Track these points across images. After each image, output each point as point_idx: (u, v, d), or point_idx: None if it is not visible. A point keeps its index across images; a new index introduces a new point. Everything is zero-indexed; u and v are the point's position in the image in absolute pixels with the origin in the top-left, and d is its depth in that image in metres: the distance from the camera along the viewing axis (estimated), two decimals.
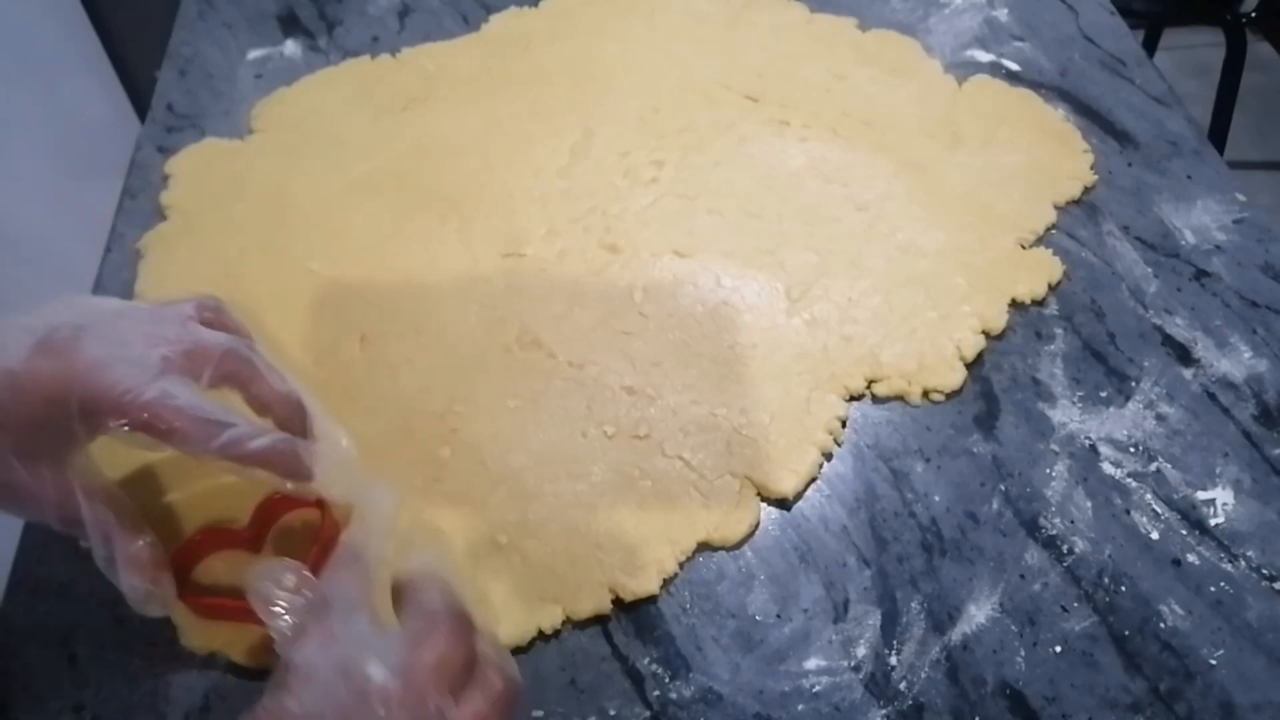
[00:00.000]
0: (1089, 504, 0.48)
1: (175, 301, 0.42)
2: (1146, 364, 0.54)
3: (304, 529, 0.45)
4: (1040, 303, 0.57)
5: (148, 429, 0.37)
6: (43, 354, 0.37)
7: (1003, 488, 0.49)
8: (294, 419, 0.41)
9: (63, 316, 0.39)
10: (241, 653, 0.44)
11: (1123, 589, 0.46)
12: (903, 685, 0.43)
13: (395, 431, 0.51)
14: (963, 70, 0.71)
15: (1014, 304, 0.57)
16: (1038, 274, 0.58)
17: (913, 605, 0.45)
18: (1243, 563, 0.46)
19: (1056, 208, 0.62)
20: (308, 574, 0.35)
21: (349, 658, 0.32)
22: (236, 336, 0.42)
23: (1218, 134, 1.46)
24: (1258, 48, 1.93)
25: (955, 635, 0.44)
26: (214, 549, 0.46)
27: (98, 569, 0.47)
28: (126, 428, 0.37)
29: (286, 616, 0.34)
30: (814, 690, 0.43)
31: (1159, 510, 0.48)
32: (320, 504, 0.42)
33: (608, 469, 0.49)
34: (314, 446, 0.40)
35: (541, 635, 0.44)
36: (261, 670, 0.43)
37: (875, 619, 0.45)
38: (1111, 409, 0.52)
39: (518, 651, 0.44)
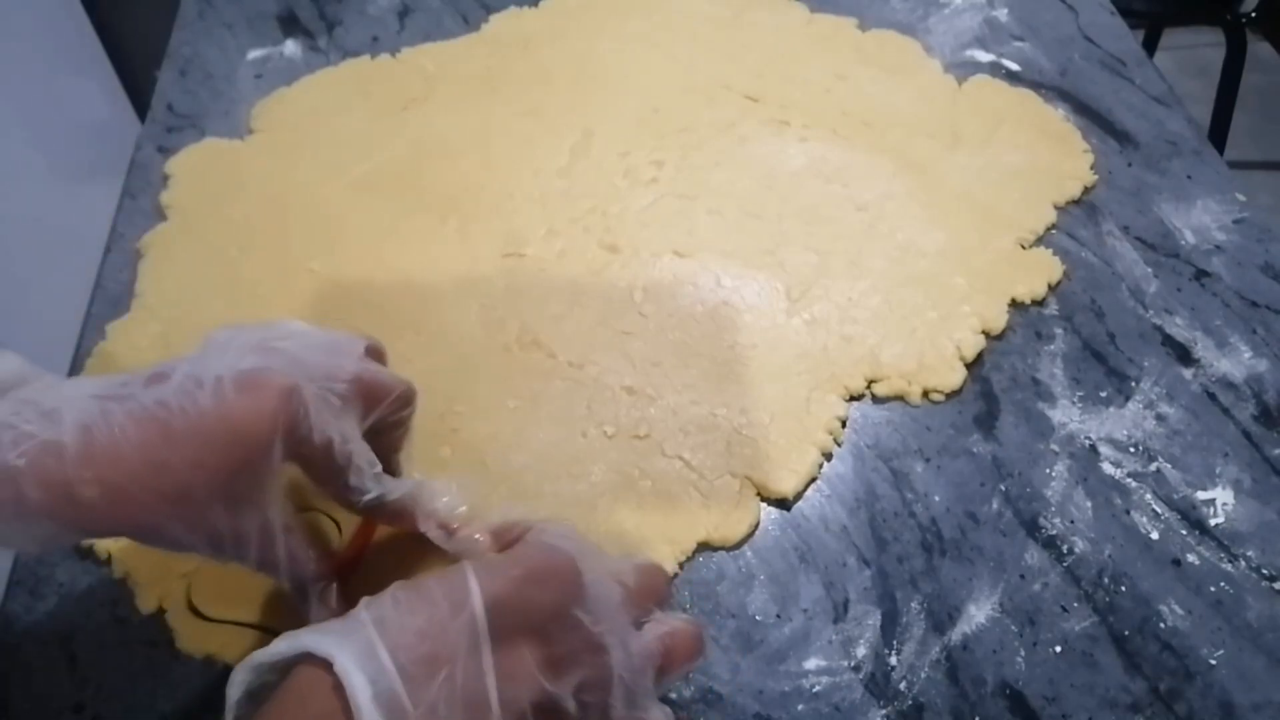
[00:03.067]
0: (1089, 504, 0.48)
1: (348, 335, 0.41)
2: (1146, 364, 0.54)
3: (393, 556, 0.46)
4: (1040, 303, 0.57)
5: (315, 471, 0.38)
6: (239, 390, 0.35)
7: (1003, 488, 0.49)
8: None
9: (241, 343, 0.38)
10: (236, 657, 0.44)
11: (1123, 589, 0.46)
12: (903, 685, 0.43)
13: None
14: (963, 70, 0.71)
15: (1014, 304, 0.57)
16: (1038, 274, 0.58)
17: (913, 605, 0.45)
18: (1243, 563, 0.46)
19: (1056, 208, 0.62)
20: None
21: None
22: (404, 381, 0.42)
23: (1218, 134, 1.46)
24: (1258, 48, 1.93)
25: (955, 635, 0.44)
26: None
27: (97, 569, 0.47)
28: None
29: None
30: (814, 690, 0.43)
31: (1159, 510, 0.48)
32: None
33: (608, 469, 0.49)
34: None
35: None
36: None
37: (875, 619, 0.45)
38: (1111, 409, 0.52)
39: None
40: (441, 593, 0.31)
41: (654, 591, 0.37)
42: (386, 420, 0.41)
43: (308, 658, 0.30)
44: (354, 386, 0.39)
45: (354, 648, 0.30)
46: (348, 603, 0.37)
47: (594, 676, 0.33)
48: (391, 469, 0.42)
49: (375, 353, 0.42)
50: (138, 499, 0.34)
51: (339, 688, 0.29)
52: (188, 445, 0.34)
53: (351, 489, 0.39)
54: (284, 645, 0.31)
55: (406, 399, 0.42)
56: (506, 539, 0.37)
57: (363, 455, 0.39)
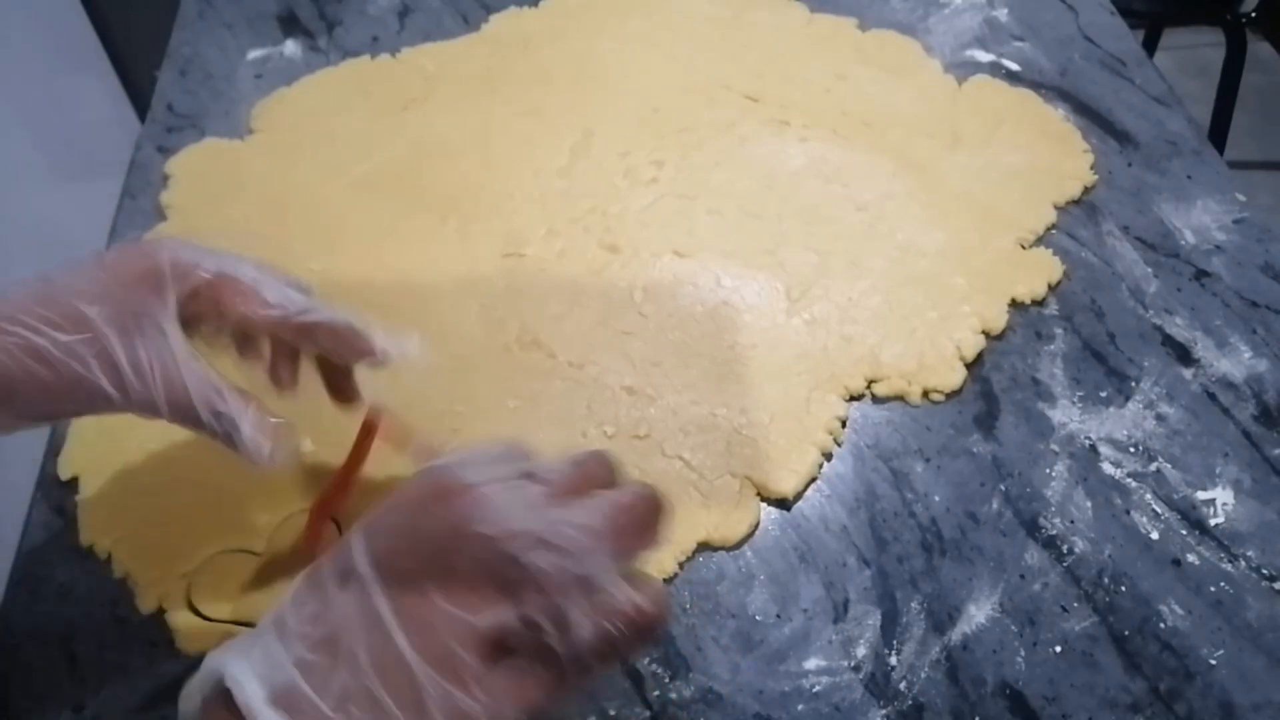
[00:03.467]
0: (1089, 504, 0.48)
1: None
2: (1146, 364, 0.54)
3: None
4: (1040, 303, 0.57)
5: (226, 291, 0.38)
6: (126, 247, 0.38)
7: (1003, 488, 0.49)
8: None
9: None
10: None
11: (1123, 589, 0.46)
12: (903, 685, 0.43)
13: None
14: (963, 70, 0.71)
15: (1014, 304, 0.57)
16: (1038, 274, 0.58)
17: (913, 605, 0.45)
18: (1243, 563, 0.46)
19: (1056, 208, 0.62)
20: None
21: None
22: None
23: (1218, 134, 1.46)
24: (1258, 48, 1.93)
25: (955, 635, 0.44)
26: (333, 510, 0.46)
27: (97, 569, 0.47)
28: (208, 276, 0.38)
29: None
30: (814, 690, 0.43)
31: (1159, 510, 0.48)
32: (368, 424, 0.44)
33: None
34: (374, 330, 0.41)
35: None
36: None
37: (875, 619, 0.45)
38: (1111, 409, 0.52)
39: None
40: (331, 568, 0.30)
41: (591, 478, 0.32)
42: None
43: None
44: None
45: (251, 656, 0.29)
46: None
47: (524, 588, 0.29)
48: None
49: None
50: (52, 354, 0.35)
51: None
52: (70, 283, 0.37)
53: (271, 304, 0.39)
54: (200, 671, 0.30)
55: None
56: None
57: (276, 282, 0.39)
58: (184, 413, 0.37)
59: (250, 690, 0.28)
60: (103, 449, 0.51)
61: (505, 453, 0.32)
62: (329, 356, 0.42)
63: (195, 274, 0.38)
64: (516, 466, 0.32)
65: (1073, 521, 0.48)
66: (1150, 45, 1.63)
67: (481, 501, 0.29)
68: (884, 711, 0.42)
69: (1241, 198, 0.62)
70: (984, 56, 0.72)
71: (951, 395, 0.53)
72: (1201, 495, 0.49)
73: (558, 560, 0.29)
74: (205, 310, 0.38)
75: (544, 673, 0.29)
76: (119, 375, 0.36)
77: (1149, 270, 0.58)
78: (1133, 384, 0.53)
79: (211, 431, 0.38)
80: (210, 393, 0.37)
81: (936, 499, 0.49)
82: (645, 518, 0.31)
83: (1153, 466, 0.50)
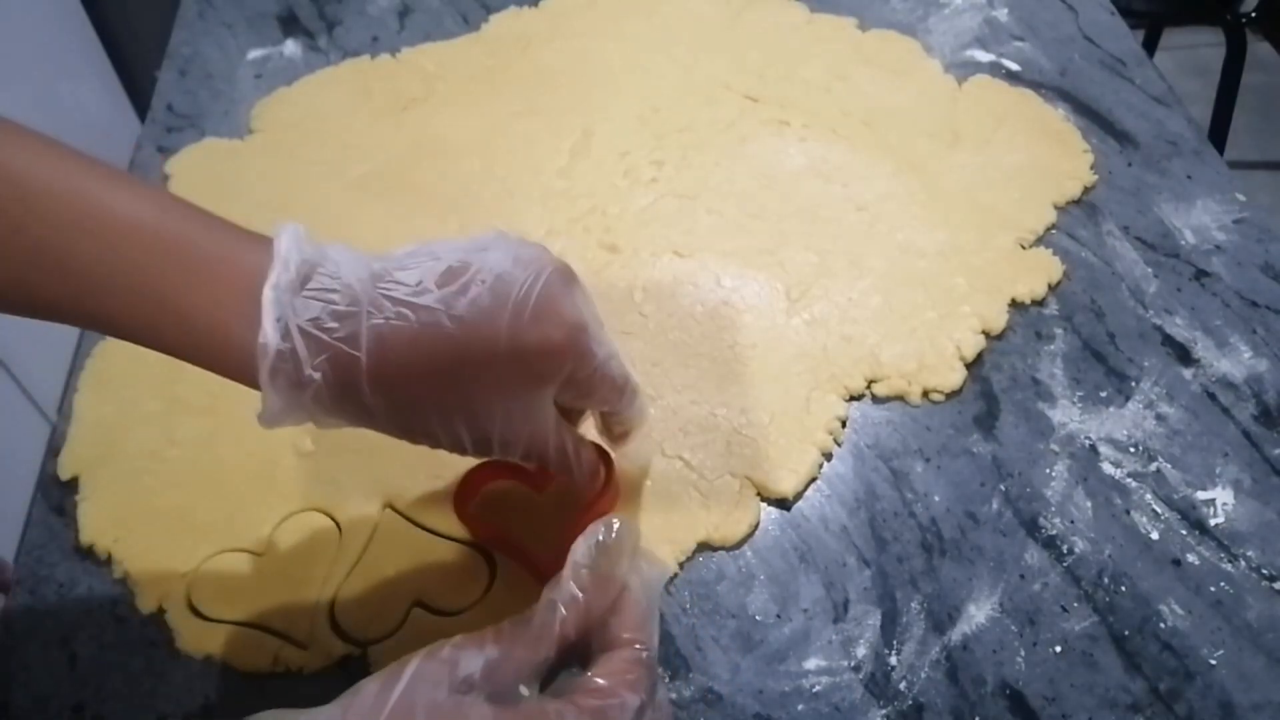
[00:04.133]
0: (1089, 504, 0.48)
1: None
2: (1146, 364, 0.54)
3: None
4: (1040, 303, 0.57)
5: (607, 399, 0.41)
6: (535, 320, 0.36)
7: (1003, 488, 0.49)
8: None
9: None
10: (236, 657, 0.44)
11: (1123, 589, 0.46)
12: (903, 685, 0.43)
13: None
14: (963, 70, 0.71)
15: (1014, 304, 0.57)
16: (1038, 274, 0.58)
17: (913, 605, 0.45)
18: (1243, 563, 0.46)
19: (1056, 208, 0.62)
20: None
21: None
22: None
23: (1218, 134, 1.46)
24: (1258, 48, 1.93)
25: (955, 635, 0.44)
26: (500, 477, 0.47)
27: (97, 569, 0.47)
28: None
29: (573, 585, 0.33)
30: (814, 690, 0.43)
31: (1159, 510, 0.48)
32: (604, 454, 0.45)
33: None
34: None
35: None
36: (255, 673, 0.43)
37: (875, 619, 0.45)
38: (1111, 409, 0.52)
39: None
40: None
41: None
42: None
43: None
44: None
45: None
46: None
47: None
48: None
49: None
50: (421, 410, 0.35)
51: None
52: (478, 366, 0.35)
53: (622, 404, 0.41)
54: None
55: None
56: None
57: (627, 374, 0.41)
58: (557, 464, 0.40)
59: None
60: (103, 449, 0.51)
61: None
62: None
63: (585, 366, 0.38)
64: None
65: (1073, 521, 0.48)
66: (1150, 45, 1.63)
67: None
68: (884, 711, 0.42)
69: (1241, 198, 0.62)
70: (984, 56, 0.72)
71: (951, 395, 0.53)
72: (1201, 495, 0.49)
73: None
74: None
75: None
76: (488, 445, 0.37)
77: (1149, 270, 0.58)
78: (1133, 384, 0.53)
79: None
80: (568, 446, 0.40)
81: (936, 499, 0.49)
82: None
83: (1153, 466, 0.50)
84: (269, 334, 0.32)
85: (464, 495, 0.47)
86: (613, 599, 0.34)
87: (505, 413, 0.36)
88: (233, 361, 0.34)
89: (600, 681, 0.32)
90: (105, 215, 0.33)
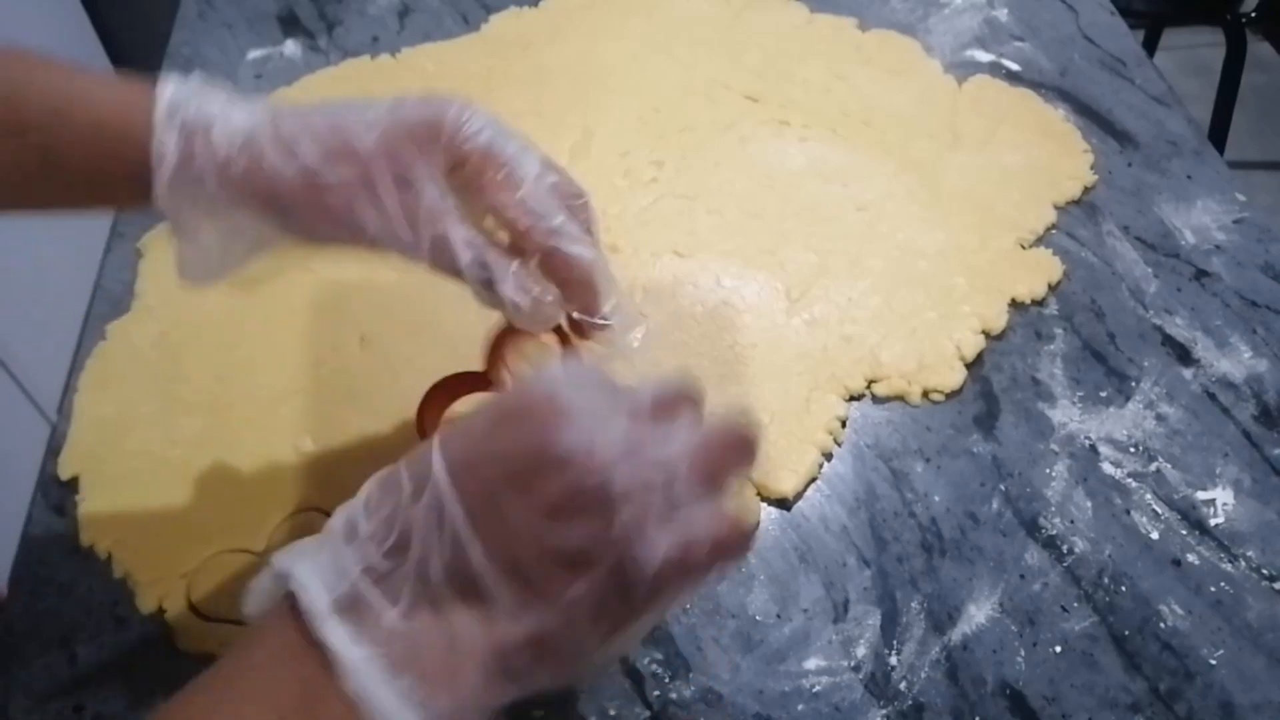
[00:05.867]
0: (1089, 504, 0.48)
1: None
2: (1146, 364, 0.54)
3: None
4: (1040, 303, 0.57)
5: (489, 171, 0.38)
6: (425, 98, 0.39)
7: (1003, 488, 0.49)
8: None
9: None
10: None
11: (1123, 589, 0.46)
12: (903, 685, 0.43)
13: (396, 431, 0.51)
14: (963, 70, 0.71)
15: (1014, 304, 0.56)
16: (1038, 274, 0.58)
17: (913, 605, 0.45)
18: (1243, 563, 0.46)
19: (1056, 208, 0.62)
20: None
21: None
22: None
23: (1218, 134, 1.46)
24: (1258, 48, 1.93)
25: (955, 635, 0.44)
26: (456, 395, 0.45)
27: (97, 569, 0.47)
28: (478, 149, 0.38)
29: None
30: (814, 690, 0.43)
31: (1159, 510, 0.48)
32: (560, 332, 0.41)
33: None
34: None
35: None
36: None
37: (875, 619, 0.45)
38: (1111, 409, 0.52)
39: None
40: (408, 474, 0.30)
41: (679, 403, 0.31)
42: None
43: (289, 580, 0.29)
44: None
45: (318, 559, 0.29)
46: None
47: (604, 508, 0.28)
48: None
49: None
50: (327, 181, 0.36)
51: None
52: (358, 116, 0.38)
53: (527, 209, 0.37)
54: (266, 572, 0.30)
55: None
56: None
57: (544, 187, 0.38)
58: (444, 257, 0.37)
59: (314, 594, 0.28)
60: (103, 449, 0.51)
61: (595, 376, 0.31)
62: (555, 284, 0.39)
63: (470, 142, 0.37)
64: (606, 389, 0.31)
65: (1073, 521, 0.48)
66: (1150, 45, 1.63)
67: (567, 420, 0.28)
68: (884, 711, 0.42)
69: (1241, 198, 0.62)
70: (984, 56, 0.72)
71: (951, 395, 0.53)
72: (1201, 495, 0.49)
73: (641, 483, 0.28)
74: (466, 183, 0.38)
75: (618, 597, 0.28)
76: (385, 215, 0.36)
77: (1149, 270, 0.58)
78: (1133, 384, 0.53)
79: (473, 279, 0.37)
80: (476, 241, 0.37)
81: (936, 499, 0.49)
82: (734, 444, 0.30)
83: (1153, 466, 0.50)
84: (165, 95, 0.36)
85: (429, 415, 0.44)
86: None
87: (400, 179, 0.36)
88: (131, 143, 0.36)
89: None
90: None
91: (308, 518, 0.48)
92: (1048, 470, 0.50)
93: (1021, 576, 0.46)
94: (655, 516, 0.28)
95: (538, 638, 0.28)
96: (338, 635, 0.27)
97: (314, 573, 0.28)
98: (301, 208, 0.37)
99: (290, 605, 0.28)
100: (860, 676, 0.43)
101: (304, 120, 0.38)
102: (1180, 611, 0.45)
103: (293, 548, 0.30)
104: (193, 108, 0.37)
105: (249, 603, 0.30)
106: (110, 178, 0.38)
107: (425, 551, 0.28)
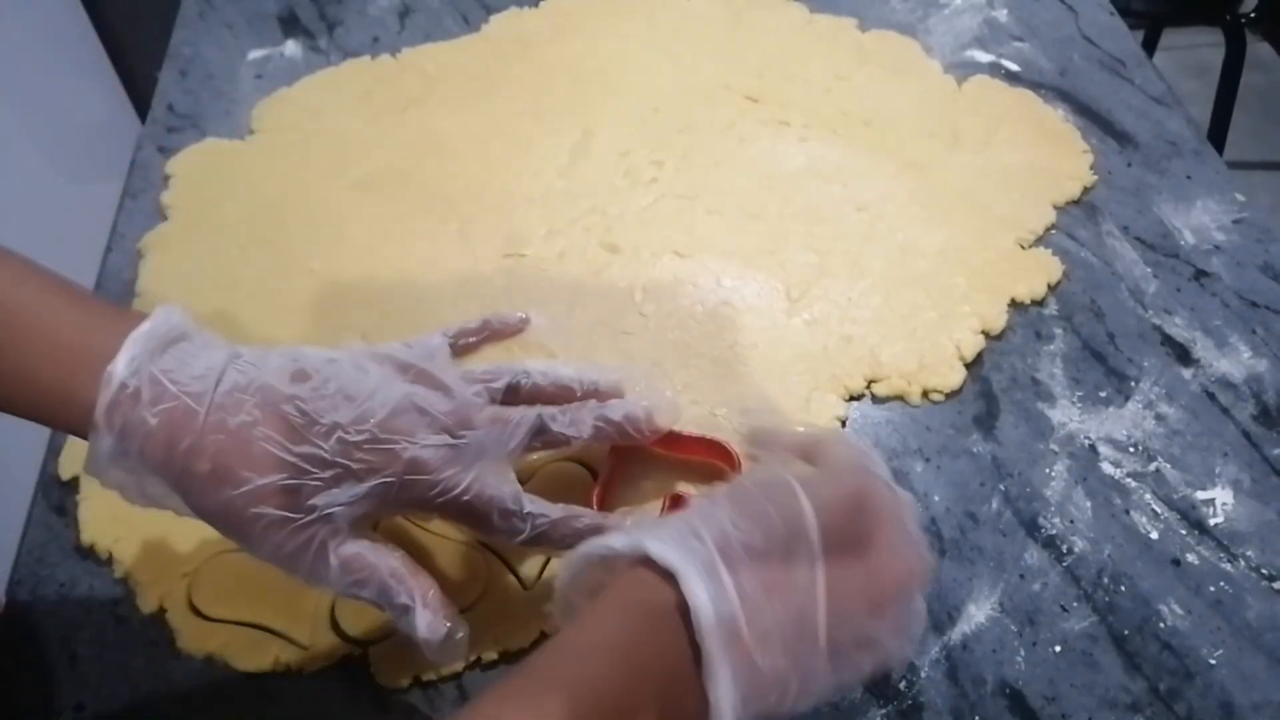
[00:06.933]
0: (1089, 504, 0.49)
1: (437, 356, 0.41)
2: (1146, 364, 0.54)
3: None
4: (1040, 303, 0.57)
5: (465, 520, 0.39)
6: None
7: (1002, 488, 0.49)
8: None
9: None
10: (236, 657, 0.44)
11: (1122, 589, 0.46)
12: (902, 685, 0.43)
13: None
14: (962, 70, 0.71)
15: (1014, 304, 0.57)
16: (1037, 274, 0.58)
17: None
18: (1242, 563, 0.46)
19: (1056, 208, 0.62)
20: None
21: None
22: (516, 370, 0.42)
23: (1218, 134, 1.46)
24: (1258, 48, 1.93)
25: (955, 635, 0.44)
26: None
27: (97, 569, 0.47)
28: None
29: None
30: None
31: (1159, 510, 0.48)
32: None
33: None
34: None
35: (544, 635, 0.44)
36: (255, 673, 0.43)
37: None
38: (1111, 409, 0.52)
39: (522, 652, 0.44)
40: (774, 509, 0.31)
41: None
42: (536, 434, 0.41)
43: (645, 561, 0.29)
44: (489, 432, 0.39)
45: (698, 565, 0.29)
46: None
47: (909, 604, 0.32)
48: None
49: (458, 349, 0.43)
50: (242, 486, 0.34)
51: (682, 606, 0.28)
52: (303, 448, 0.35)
53: (498, 531, 0.38)
54: (620, 541, 0.30)
55: (540, 422, 0.41)
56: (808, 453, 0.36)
57: (504, 492, 0.38)
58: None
59: (703, 605, 0.28)
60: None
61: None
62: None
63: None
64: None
65: (1072, 521, 0.48)
66: (1150, 45, 1.63)
67: (904, 510, 0.33)
68: (884, 711, 0.42)
69: (1241, 198, 0.62)
70: (984, 57, 0.72)
71: (951, 395, 0.53)
72: (1201, 495, 0.49)
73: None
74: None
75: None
76: (295, 556, 0.37)
77: (1149, 270, 0.59)
78: (1132, 384, 0.53)
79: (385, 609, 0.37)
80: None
81: (936, 499, 0.49)
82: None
83: (1152, 466, 0.50)
84: (119, 367, 0.34)
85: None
86: None
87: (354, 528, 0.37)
88: (76, 411, 0.34)
89: None
90: None
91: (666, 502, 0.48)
92: (1047, 470, 0.50)
93: (1021, 576, 0.46)
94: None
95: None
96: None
97: (700, 582, 0.29)
98: (206, 498, 0.36)
99: (661, 595, 0.29)
100: None
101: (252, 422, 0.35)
102: (1180, 611, 0.45)
103: (653, 532, 0.30)
104: (145, 392, 0.34)
105: (582, 559, 0.31)
106: (40, 415, 0.36)
107: (786, 595, 0.30)
